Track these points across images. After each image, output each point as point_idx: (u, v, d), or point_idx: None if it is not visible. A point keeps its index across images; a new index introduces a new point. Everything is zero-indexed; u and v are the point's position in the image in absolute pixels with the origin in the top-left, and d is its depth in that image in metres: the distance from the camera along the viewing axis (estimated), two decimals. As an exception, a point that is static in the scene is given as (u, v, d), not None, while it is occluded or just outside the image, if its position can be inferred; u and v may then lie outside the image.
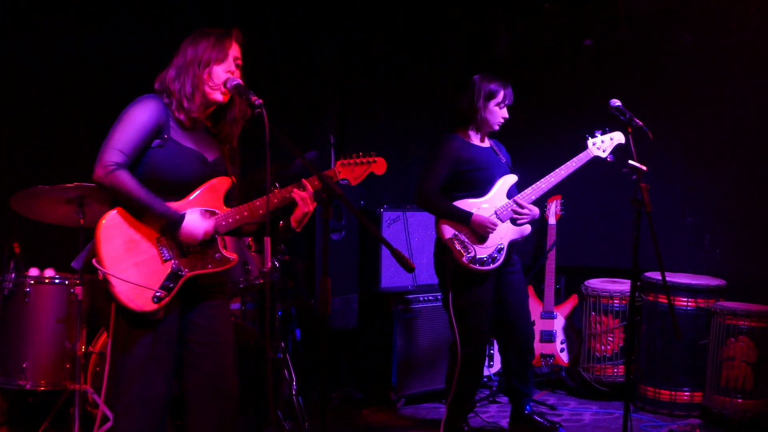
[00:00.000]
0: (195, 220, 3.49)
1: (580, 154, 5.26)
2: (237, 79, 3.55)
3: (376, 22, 7.69)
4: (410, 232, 6.57)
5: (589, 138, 5.29)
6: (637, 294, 4.44)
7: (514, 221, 5.25)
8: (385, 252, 6.41)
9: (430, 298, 6.30)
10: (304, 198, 3.59)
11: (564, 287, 6.97)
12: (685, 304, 5.97)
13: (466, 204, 5.21)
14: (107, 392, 3.73)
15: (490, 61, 7.82)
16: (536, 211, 5.25)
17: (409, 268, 3.35)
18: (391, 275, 6.51)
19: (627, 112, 4.53)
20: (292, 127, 7.06)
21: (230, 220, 3.58)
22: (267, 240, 3.38)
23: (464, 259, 5.14)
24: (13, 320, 5.12)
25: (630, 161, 4.53)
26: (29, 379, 5.07)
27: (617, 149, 5.23)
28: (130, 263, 3.44)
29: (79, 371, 4.89)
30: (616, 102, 4.57)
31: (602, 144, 5.27)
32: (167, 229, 3.47)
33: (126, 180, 3.41)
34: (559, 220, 6.74)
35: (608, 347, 6.40)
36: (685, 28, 6.78)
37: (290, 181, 3.71)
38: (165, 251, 3.50)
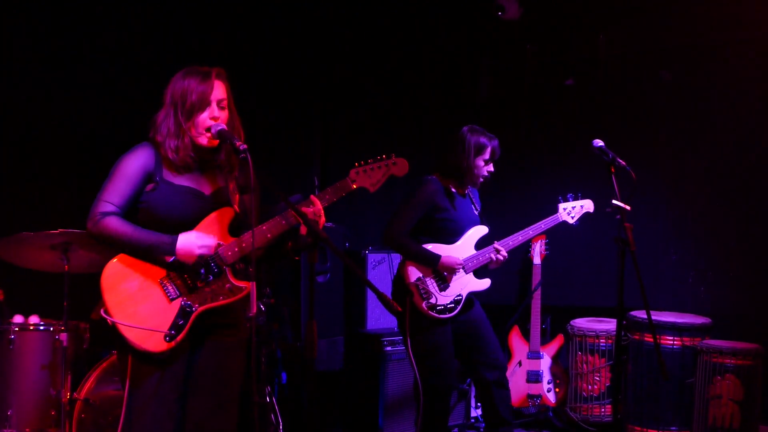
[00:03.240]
0: (189, 238, 3.48)
1: (549, 218, 5.38)
2: (221, 125, 3.53)
3: (359, 65, 7.73)
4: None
5: (561, 202, 5.42)
6: (622, 333, 4.44)
7: (476, 273, 5.25)
8: (370, 294, 6.39)
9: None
10: (313, 212, 3.57)
11: (550, 327, 6.95)
12: (671, 342, 5.97)
13: (437, 249, 5.19)
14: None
15: (472, 102, 7.86)
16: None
17: (395, 311, 3.34)
18: (377, 317, 6.49)
19: (610, 153, 4.53)
20: (276, 168, 7.06)
21: (236, 249, 3.57)
22: (252, 285, 3.37)
23: (424, 304, 5.10)
24: (-3, 367, 5.08)
25: (614, 201, 4.54)
26: (14, 426, 5.02)
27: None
28: (137, 307, 3.45)
29: (64, 418, 4.85)
30: (599, 142, 4.58)
31: (572, 210, 5.42)
32: (162, 255, 3.46)
33: (113, 223, 3.45)
34: (544, 260, 6.76)
35: (595, 387, 6.39)
36: (665, 66, 6.85)
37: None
38: (170, 290, 3.50)
